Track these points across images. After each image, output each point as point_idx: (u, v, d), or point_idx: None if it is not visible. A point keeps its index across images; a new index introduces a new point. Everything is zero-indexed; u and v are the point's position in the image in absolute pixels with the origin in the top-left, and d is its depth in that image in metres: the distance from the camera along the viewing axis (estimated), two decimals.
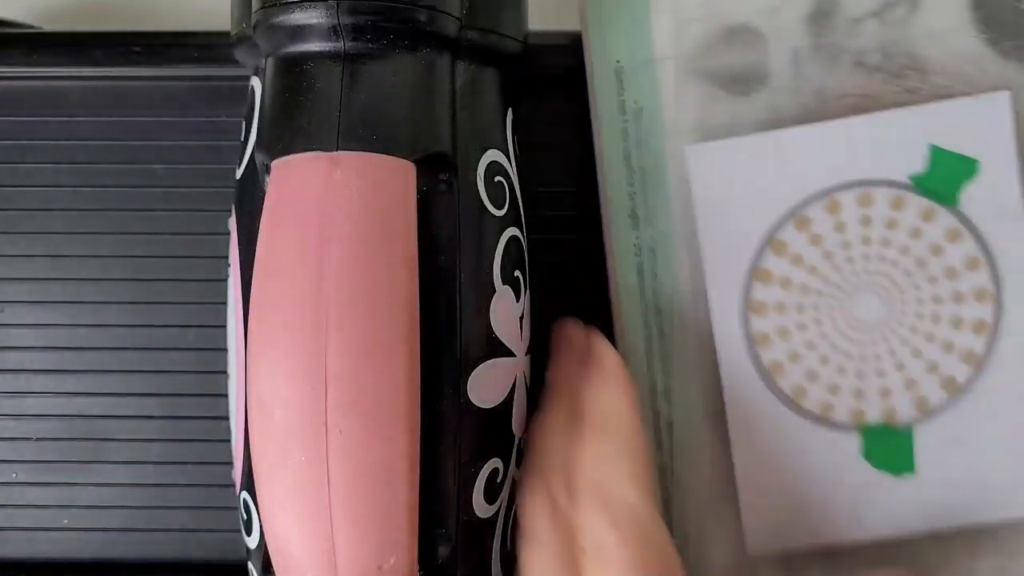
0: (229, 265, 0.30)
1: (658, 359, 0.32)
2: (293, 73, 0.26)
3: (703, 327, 0.31)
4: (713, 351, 0.31)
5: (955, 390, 0.31)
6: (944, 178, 0.30)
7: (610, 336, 0.32)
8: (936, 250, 0.30)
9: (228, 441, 0.30)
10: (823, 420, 0.31)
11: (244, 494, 0.28)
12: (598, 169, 0.32)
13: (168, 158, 0.36)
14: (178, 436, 0.36)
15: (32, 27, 0.40)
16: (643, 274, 0.31)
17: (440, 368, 0.27)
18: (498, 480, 0.29)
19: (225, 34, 0.30)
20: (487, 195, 0.28)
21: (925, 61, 0.30)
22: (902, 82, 0.30)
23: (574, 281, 0.34)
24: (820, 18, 0.30)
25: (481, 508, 0.28)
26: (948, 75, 0.30)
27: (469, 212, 0.27)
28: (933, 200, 0.30)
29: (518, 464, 0.30)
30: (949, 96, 0.30)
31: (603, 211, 0.32)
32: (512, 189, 0.29)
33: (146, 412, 0.36)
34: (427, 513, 0.26)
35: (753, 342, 0.31)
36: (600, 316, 0.32)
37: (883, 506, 0.31)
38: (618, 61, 0.31)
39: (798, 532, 0.31)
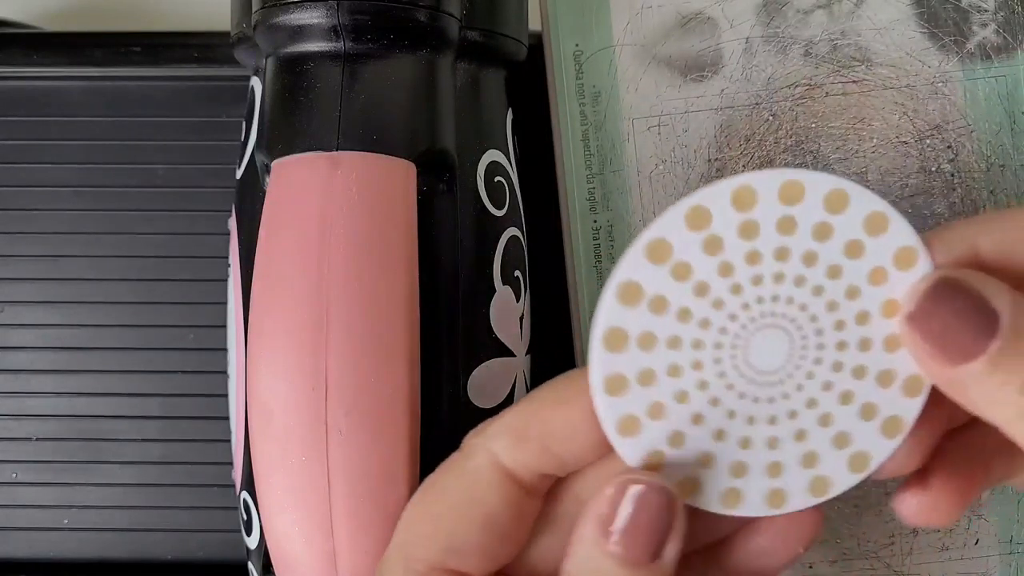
0: (229, 265, 0.30)
1: None
2: (293, 73, 0.26)
3: None
4: None
5: None
6: None
7: (568, 323, 0.32)
8: None
9: (228, 441, 0.30)
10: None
11: (244, 494, 0.28)
12: (556, 153, 0.32)
13: (168, 158, 0.36)
14: (178, 436, 0.36)
15: (32, 27, 0.40)
16: (601, 257, 0.32)
17: (440, 368, 0.27)
18: None
19: (225, 34, 0.30)
20: (487, 195, 0.28)
21: (870, 53, 0.31)
22: (848, 72, 0.31)
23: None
24: (771, 8, 0.31)
25: None
26: (892, 67, 0.31)
27: (469, 212, 0.27)
28: None
29: None
30: (894, 88, 0.31)
31: (561, 194, 0.32)
32: (512, 189, 0.29)
33: (146, 412, 0.36)
34: None
35: None
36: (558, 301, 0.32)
37: None
38: (577, 46, 0.31)
39: None
